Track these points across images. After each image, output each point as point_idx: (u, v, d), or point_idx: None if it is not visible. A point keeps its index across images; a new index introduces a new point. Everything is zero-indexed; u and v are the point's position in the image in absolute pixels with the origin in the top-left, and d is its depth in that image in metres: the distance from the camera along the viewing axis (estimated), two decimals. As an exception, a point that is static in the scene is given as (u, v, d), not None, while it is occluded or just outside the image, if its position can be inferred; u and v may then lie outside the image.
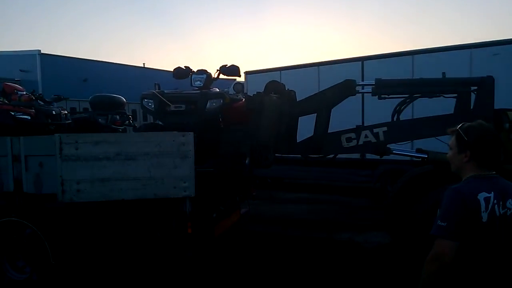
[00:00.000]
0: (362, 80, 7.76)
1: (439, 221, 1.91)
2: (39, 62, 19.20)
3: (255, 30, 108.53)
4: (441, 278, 1.92)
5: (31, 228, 4.25)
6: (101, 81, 20.61)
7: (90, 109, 6.22)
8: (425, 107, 5.17)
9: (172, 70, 5.03)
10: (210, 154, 4.54)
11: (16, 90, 5.48)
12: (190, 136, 3.82)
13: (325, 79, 9.15)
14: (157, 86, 4.86)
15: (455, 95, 4.70)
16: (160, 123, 5.09)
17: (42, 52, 19.52)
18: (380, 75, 4.75)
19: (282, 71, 10.76)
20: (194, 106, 4.62)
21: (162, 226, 4.38)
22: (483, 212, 1.90)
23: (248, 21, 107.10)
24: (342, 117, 6.45)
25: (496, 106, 4.55)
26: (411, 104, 4.90)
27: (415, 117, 5.42)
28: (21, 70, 18.96)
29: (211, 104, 4.62)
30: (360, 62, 9.71)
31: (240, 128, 4.51)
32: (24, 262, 4.53)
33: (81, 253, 4.51)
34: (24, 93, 5.51)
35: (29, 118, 5.21)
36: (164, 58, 71.55)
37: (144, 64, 26.56)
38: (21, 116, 5.22)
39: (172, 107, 4.66)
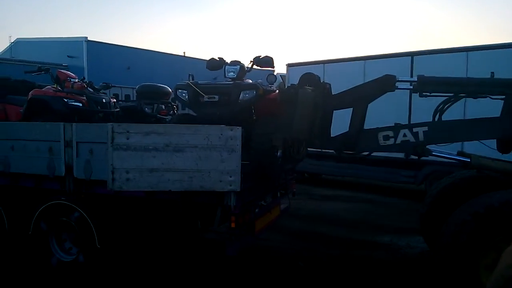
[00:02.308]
0: (411, 77, 7.47)
1: None
2: (85, 48, 19.86)
3: (300, 20, 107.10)
4: None
5: (79, 212, 4.39)
6: (143, 69, 21.11)
7: (131, 97, 6.28)
8: (472, 108, 4.88)
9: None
10: (243, 146, 4.51)
11: (69, 77, 5.63)
12: (238, 131, 3.78)
13: (371, 74, 8.85)
14: (191, 77, 4.86)
15: (503, 97, 4.41)
16: (193, 113, 5.10)
17: (88, 39, 20.15)
18: (431, 72, 4.52)
19: (325, 64, 10.54)
20: (227, 97, 4.60)
21: (206, 219, 4.42)
22: None
23: (292, 10, 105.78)
24: (386, 114, 6.24)
25: None
26: (462, 105, 4.64)
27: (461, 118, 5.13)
28: (68, 56, 19.68)
29: (244, 95, 4.58)
30: (410, 57, 9.33)
31: (273, 120, 4.44)
32: (71, 244, 4.71)
33: (125, 239, 4.62)
34: (76, 80, 5.67)
35: (81, 105, 5.36)
36: (204, 48, 72.26)
37: (184, 53, 26.94)
38: (73, 103, 5.37)
39: (206, 98, 4.65)
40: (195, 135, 3.75)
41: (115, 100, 5.97)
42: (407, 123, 4.87)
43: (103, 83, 6.34)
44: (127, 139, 3.69)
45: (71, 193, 4.46)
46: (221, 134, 3.76)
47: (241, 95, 4.59)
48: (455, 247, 3.72)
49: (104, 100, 5.68)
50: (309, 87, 4.45)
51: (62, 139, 4.34)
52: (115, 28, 56.40)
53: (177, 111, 6.44)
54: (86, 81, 5.85)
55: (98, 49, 20.27)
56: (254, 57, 4.90)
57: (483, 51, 8.49)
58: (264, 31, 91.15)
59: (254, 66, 4.99)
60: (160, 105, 6.02)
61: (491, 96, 4.46)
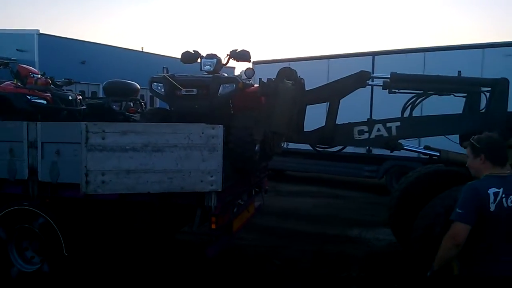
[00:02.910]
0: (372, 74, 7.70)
1: (457, 209, 2.48)
2: (37, 42, 18.75)
3: (263, 18, 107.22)
4: (453, 254, 2.53)
5: (44, 217, 4.12)
6: (100, 64, 20.28)
7: (80, 93, 5.89)
8: (432, 105, 5.12)
9: (170, 55, 4.89)
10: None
11: (31, 72, 5.25)
12: (220, 129, 3.70)
13: (335, 72, 9.06)
14: (165, 70, 4.71)
15: (465, 94, 4.67)
16: (168, 107, 4.96)
17: (40, 32, 19.05)
18: (391, 70, 4.70)
19: (291, 63, 10.60)
20: (206, 90, 4.52)
21: (184, 221, 4.29)
22: (491, 203, 2.46)
23: (254, 8, 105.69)
24: (351, 110, 6.40)
25: (509, 108, 4.49)
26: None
27: (424, 115, 5.36)
28: (17, 50, 18.48)
29: (223, 89, 4.50)
30: (371, 57, 9.64)
31: (252, 114, 4.42)
32: (34, 253, 4.41)
33: (97, 245, 4.40)
34: (39, 76, 5.30)
35: (45, 102, 5.02)
36: (161, 44, 70.53)
37: (142, 48, 26.17)
38: (37, 101, 5.02)
39: (183, 91, 4.53)
40: (175, 134, 3.62)
41: (81, 97, 5.66)
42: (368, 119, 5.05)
43: (65, 78, 5.99)
44: (103, 139, 3.49)
45: (35, 198, 4.17)
46: (202, 133, 3.66)
47: (220, 89, 4.50)
48: (429, 239, 3.88)
49: (70, 97, 5.36)
50: (289, 81, 4.47)
51: (25, 139, 4.05)
52: (70, 21, 53.54)
53: (145, 108, 6.22)
54: (47, 77, 5.49)
55: (50, 43, 19.14)
56: (231, 50, 4.82)
57: (439, 52, 8.93)
58: (226, 30, 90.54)
59: (231, 60, 4.90)
60: (129, 103, 5.78)
61: (454, 94, 4.70)
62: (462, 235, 2.44)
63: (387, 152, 4.85)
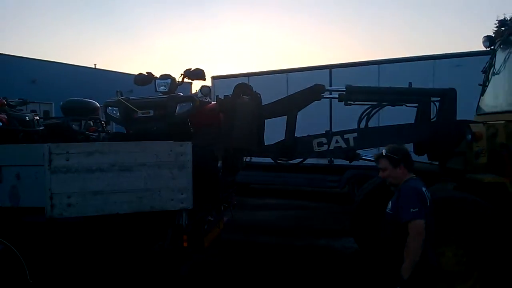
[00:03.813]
0: (330, 87, 7.96)
1: (411, 209, 2.79)
2: (-18, 60, 17.78)
3: (218, 32, 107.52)
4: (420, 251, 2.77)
5: (4, 244, 3.88)
6: (51, 82, 19.51)
7: (34, 113, 5.67)
8: (388, 115, 5.36)
9: (124, 71, 4.87)
10: None
11: (-17, 93, 4.98)
12: (188, 146, 3.67)
13: (294, 85, 9.25)
14: (120, 93, 4.66)
15: (416, 104, 4.92)
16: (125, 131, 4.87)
17: (-15, 50, 18.10)
18: (348, 82, 4.91)
19: (250, 77, 10.73)
20: (163, 110, 4.49)
21: (156, 241, 4.18)
22: (428, 199, 2.94)
23: (209, 23, 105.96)
24: (310, 122, 6.59)
25: (458, 116, 4.75)
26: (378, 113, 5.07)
27: (380, 125, 5.60)
28: (-39, 69, 17.45)
29: (181, 108, 4.49)
30: (328, 70, 9.95)
31: (211, 131, 4.45)
32: (-8, 282, 4.13)
33: (65, 270, 4.19)
34: (-7, 97, 5.03)
35: (1, 124, 4.75)
36: (115, 60, 68.87)
37: (95, 65, 25.51)
38: (-8, 123, 4.76)
39: (140, 114, 4.49)
40: (143, 153, 3.56)
41: (37, 118, 5.41)
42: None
43: (19, 98, 5.73)
44: (67, 160, 3.36)
45: None
46: (171, 151, 3.62)
47: (177, 108, 4.48)
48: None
49: (27, 118, 5.12)
50: (246, 97, 4.54)
51: (-20, 163, 3.82)
52: (18, 39, 51.06)
53: (106, 127, 6.05)
54: (0, 97, 5.22)
55: (-2, 61, 18.28)
56: (185, 70, 4.83)
57: (392, 63, 9.39)
58: (185, 46, 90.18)
59: (185, 79, 4.90)
60: (89, 122, 5.60)
61: (406, 104, 4.95)
62: (423, 230, 2.78)
63: (348, 162, 5.00)
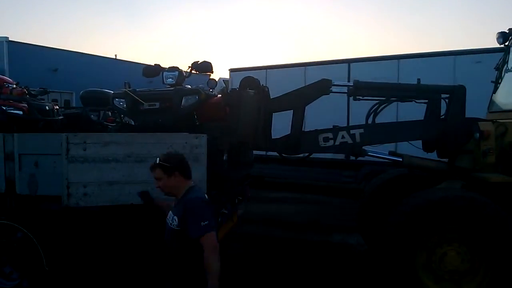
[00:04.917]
0: (349, 82, 7.87)
1: (201, 223, 2.55)
2: (6, 49, 18.18)
3: (239, 25, 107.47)
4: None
5: (22, 232, 3.98)
6: (72, 72, 19.85)
7: (72, 103, 5.81)
8: (403, 111, 5.24)
9: (144, 62, 4.89)
10: None
11: (6, 82, 5.08)
12: (203, 138, 3.69)
13: (311, 79, 9.15)
14: (127, 85, 4.68)
15: (426, 101, 4.80)
16: (132, 122, 4.91)
17: (10, 39, 18.49)
18: (367, 77, 4.82)
19: (268, 70, 10.69)
20: (169, 103, 4.49)
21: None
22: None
23: (231, 16, 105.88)
24: (326, 117, 6.52)
25: (477, 113, 4.68)
26: (395, 108, 4.96)
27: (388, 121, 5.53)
28: (-14, 58, 17.91)
29: (186, 101, 4.48)
30: (347, 64, 9.82)
31: (216, 124, 4.42)
32: (11, 268, 4.24)
33: (80, 257, 4.28)
34: (14, 86, 5.14)
35: (22, 113, 4.86)
36: (136, 50, 69.52)
37: (116, 55, 25.83)
38: (13, 111, 4.86)
39: (146, 106, 4.49)
40: (158, 144, 3.58)
41: (57, 107, 5.51)
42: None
43: (40, 88, 5.84)
44: (84, 150, 3.42)
45: (13, 211, 4.03)
46: (186, 143, 3.64)
47: (183, 101, 4.47)
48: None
49: (47, 108, 5.22)
50: (251, 90, 4.51)
51: (1, 151, 3.92)
52: (40, 28, 52.01)
53: (123, 117, 6.12)
54: (22, 87, 5.33)
55: (21, 51, 18.61)
56: (193, 62, 4.82)
57: (412, 59, 9.19)
58: (204, 37, 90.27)
59: (193, 72, 4.89)
60: (107, 112, 5.67)
61: (416, 100, 4.84)
62: (216, 242, 2.62)
63: (365, 157, 4.93)
